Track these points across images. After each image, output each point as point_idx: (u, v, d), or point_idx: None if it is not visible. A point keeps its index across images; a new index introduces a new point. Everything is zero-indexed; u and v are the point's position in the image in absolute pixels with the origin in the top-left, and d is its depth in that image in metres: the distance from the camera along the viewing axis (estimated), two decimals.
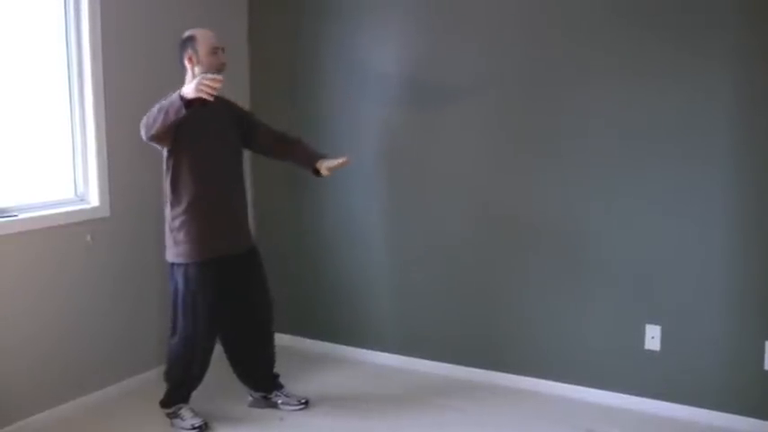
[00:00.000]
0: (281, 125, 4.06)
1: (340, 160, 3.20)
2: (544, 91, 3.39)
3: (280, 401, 3.37)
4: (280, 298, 4.16)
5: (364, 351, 3.97)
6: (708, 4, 3.01)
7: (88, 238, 3.33)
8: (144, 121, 2.94)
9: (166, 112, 2.84)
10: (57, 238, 3.20)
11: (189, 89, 2.76)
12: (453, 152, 3.64)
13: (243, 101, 3.99)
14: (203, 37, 3.04)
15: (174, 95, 2.83)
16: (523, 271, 3.52)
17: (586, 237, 3.36)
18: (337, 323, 4.05)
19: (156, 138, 2.96)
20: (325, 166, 3.22)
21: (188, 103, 2.78)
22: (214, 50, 3.04)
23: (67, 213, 3.26)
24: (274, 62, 4.11)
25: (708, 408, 3.16)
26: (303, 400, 3.37)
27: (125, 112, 3.40)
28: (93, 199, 3.38)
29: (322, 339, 4.10)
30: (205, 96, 2.71)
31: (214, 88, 2.71)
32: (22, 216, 3.09)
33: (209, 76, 2.76)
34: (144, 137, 2.97)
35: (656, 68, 3.13)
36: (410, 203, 3.80)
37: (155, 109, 2.90)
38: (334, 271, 4.03)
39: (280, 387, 3.42)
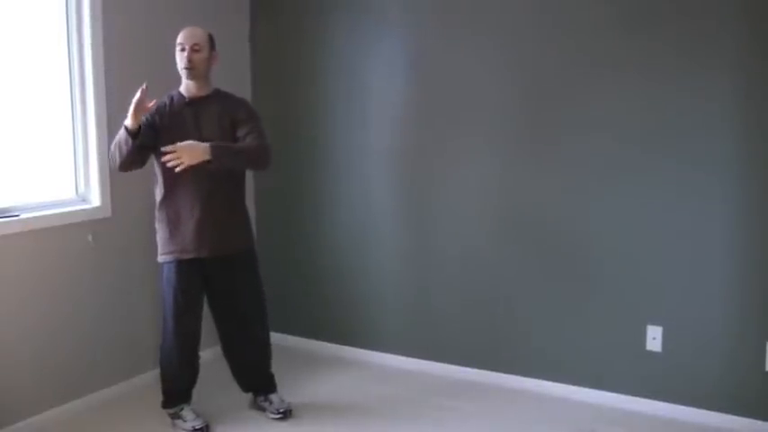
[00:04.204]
0: (283, 125, 4.09)
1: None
2: (549, 93, 3.39)
3: (266, 406, 3.31)
4: (283, 299, 4.18)
5: (366, 352, 3.98)
6: (709, 10, 3.02)
7: (89, 238, 3.33)
8: (109, 155, 3.05)
9: (120, 147, 2.94)
10: (58, 238, 3.20)
11: (127, 119, 2.87)
12: (459, 151, 3.64)
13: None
14: (178, 35, 3.04)
15: (121, 129, 2.92)
16: (525, 272, 3.52)
17: (588, 238, 3.36)
18: (341, 324, 4.05)
19: (125, 167, 3.01)
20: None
21: (134, 132, 2.88)
22: (180, 47, 3.02)
23: (69, 213, 3.26)
24: (276, 62, 4.11)
25: (709, 409, 3.17)
26: (281, 410, 3.26)
27: (127, 112, 3.39)
28: (95, 199, 3.38)
29: (325, 340, 4.11)
30: (139, 114, 2.84)
31: (140, 102, 2.83)
32: (23, 216, 3.08)
33: (136, 95, 2.85)
34: (114, 168, 3.06)
35: (663, 77, 3.14)
36: (414, 205, 3.80)
37: (112, 145, 3.00)
38: (339, 272, 4.02)
39: (267, 392, 3.34)
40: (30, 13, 3.16)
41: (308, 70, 3.99)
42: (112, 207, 3.42)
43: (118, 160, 2.97)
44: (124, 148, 2.92)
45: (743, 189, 3.04)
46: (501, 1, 3.44)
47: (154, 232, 3.35)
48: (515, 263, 3.54)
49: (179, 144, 2.87)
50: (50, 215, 3.18)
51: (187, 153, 2.86)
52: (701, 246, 3.13)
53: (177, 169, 2.86)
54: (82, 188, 3.38)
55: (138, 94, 2.83)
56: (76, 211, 3.29)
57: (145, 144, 2.97)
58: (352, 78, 3.86)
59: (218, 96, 3.14)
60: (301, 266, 4.13)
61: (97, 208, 3.37)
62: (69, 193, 3.35)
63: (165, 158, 2.88)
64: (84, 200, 3.38)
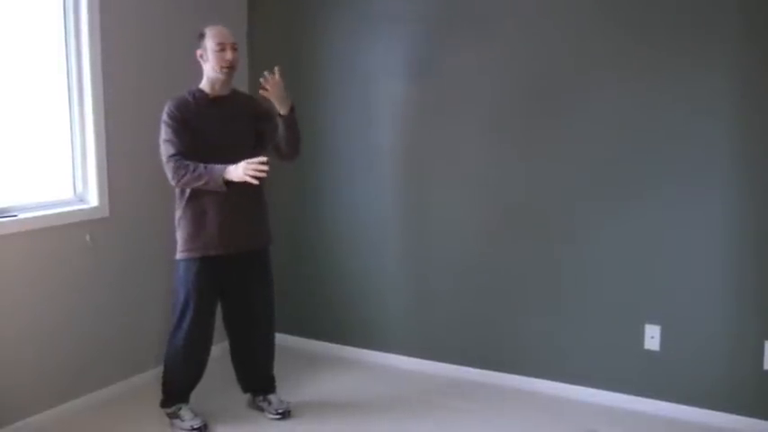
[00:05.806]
0: None
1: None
2: (550, 93, 3.39)
3: (265, 406, 3.32)
4: (285, 299, 4.17)
5: (367, 352, 3.98)
6: (708, 16, 3.01)
7: (87, 238, 3.33)
8: (175, 170, 2.94)
9: (206, 183, 2.91)
10: (56, 238, 3.20)
11: (236, 173, 2.85)
12: (459, 152, 3.63)
13: None
14: (212, 33, 3.05)
15: (218, 171, 2.88)
16: (525, 272, 3.52)
17: (587, 238, 3.36)
18: (342, 325, 4.05)
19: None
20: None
21: (229, 183, 2.88)
22: (221, 47, 3.02)
23: (67, 213, 3.26)
24: (274, 60, 4.09)
25: (707, 408, 3.16)
26: (280, 410, 3.27)
27: (125, 111, 3.41)
28: (93, 199, 3.37)
29: (326, 340, 4.11)
30: (251, 181, 2.82)
31: (261, 171, 2.80)
32: (21, 216, 3.08)
33: (255, 160, 2.82)
34: (172, 183, 3.00)
35: (659, 74, 3.13)
36: (416, 206, 3.79)
37: (189, 175, 2.91)
38: (340, 273, 4.02)
39: (266, 392, 3.35)
40: (27, 12, 3.16)
41: (306, 70, 3.99)
42: (110, 207, 3.41)
43: (190, 185, 2.96)
44: (210, 187, 2.91)
45: (742, 189, 3.04)
46: (503, 2, 3.44)
47: (152, 232, 3.37)
48: (515, 263, 3.54)
49: (279, 79, 3.01)
50: (48, 215, 3.18)
51: (278, 92, 3.02)
52: (700, 244, 3.12)
53: (261, 91, 2.99)
54: (80, 188, 3.38)
55: (262, 165, 2.81)
56: (74, 211, 3.29)
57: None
58: (351, 78, 3.85)
59: (236, 94, 3.18)
60: (303, 267, 4.13)
61: (95, 208, 3.37)
62: (67, 193, 3.35)
63: (264, 80, 2.99)
64: (81, 200, 3.38)
